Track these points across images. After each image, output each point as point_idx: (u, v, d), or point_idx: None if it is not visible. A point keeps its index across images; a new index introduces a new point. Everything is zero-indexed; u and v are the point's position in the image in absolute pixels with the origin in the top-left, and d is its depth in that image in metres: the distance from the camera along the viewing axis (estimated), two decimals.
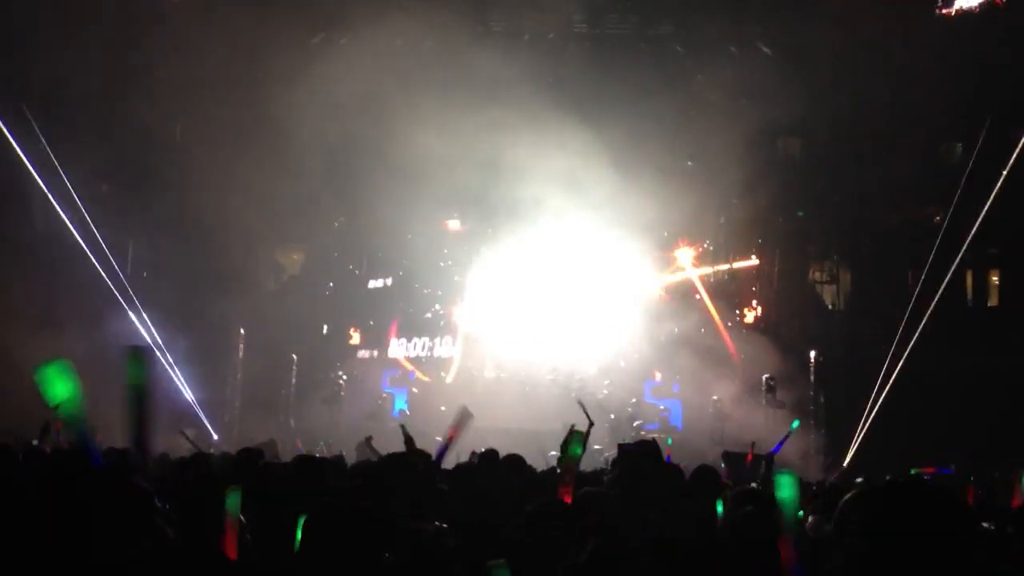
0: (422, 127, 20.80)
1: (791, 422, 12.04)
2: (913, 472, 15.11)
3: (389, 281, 25.56)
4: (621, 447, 6.45)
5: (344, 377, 23.31)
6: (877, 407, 20.96)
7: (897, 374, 21.12)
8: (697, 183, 22.20)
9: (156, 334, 20.68)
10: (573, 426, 6.28)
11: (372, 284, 25.80)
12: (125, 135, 21.53)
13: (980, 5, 22.51)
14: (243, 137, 20.73)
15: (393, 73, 21.58)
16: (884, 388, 21.04)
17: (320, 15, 21.71)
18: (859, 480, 10.53)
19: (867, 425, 20.76)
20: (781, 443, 11.04)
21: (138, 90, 20.82)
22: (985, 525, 5.02)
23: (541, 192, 22.28)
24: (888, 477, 11.47)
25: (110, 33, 20.46)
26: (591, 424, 11.10)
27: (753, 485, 6.66)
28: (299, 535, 3.25)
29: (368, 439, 15.91)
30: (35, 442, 8.45)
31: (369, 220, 24.34)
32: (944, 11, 22.36)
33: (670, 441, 20.51)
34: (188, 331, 21.12)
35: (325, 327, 25.53)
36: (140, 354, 3.10)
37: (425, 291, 25.37)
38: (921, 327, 21.41)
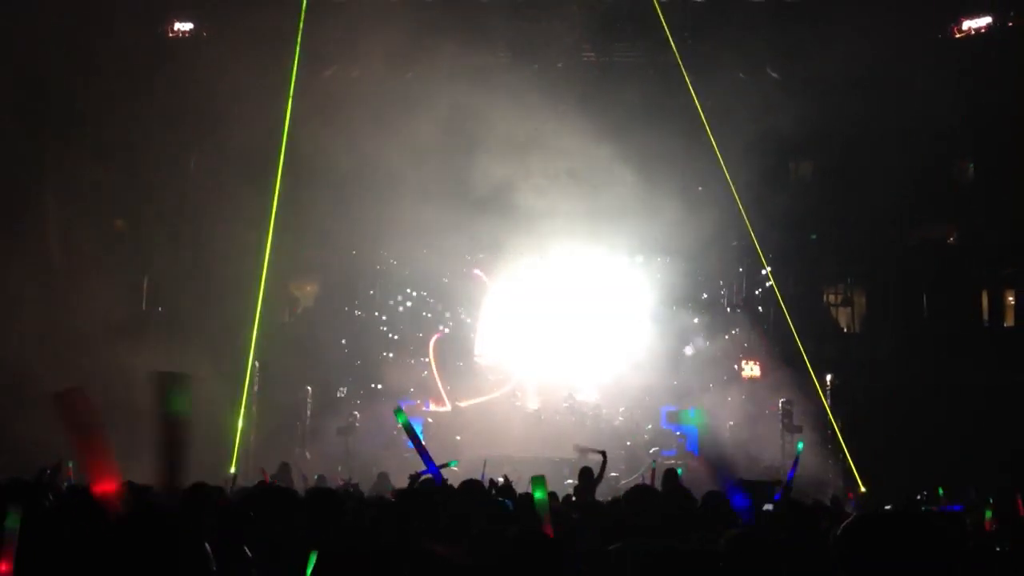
0: (432, 155, 20.92)
1: (796, 444, 11.93)
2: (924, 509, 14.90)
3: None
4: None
5: (357, 413, 23.21)
6: (893, 430, 20.82)
7: (913, 396, 20.99)
8: (708, 207, 22.19)
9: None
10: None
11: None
12: (139, 169, 21.70)
13: (987, 26, 22.56)
14: (256, 169, 20.85)
15: (403, 105, 21.70)
16: (900, 410, 20.91)
17: (331, 48, 21.88)
18: (888, 507, 10.42)
19: (883, 448, 20.60)
20: (794, 468, 10.92)
21: (153, 124, 21.02)
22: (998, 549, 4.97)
23: (551, 218, 22.31)
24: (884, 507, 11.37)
25: (124, 68, 20.69)
26: (604, 458, 11.19)
27: (768, 507, 6.65)
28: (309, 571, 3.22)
29: (381, 475, 15.96)
30: (48, 471, 8.42)
31: (381, 250, 24.50)
32: (955, 34, 22.43)
33: (680, 472, 20.36)
34: (203, 364, 21.09)
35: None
36: (180, 381, 2.82)
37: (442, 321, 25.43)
38: (937, 348, 21.31)
